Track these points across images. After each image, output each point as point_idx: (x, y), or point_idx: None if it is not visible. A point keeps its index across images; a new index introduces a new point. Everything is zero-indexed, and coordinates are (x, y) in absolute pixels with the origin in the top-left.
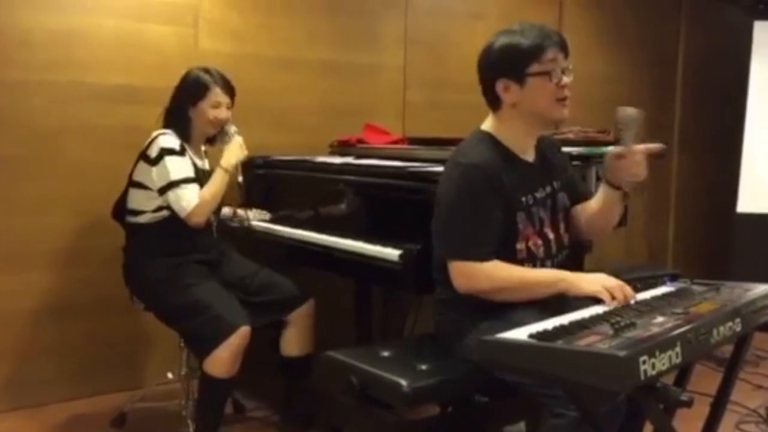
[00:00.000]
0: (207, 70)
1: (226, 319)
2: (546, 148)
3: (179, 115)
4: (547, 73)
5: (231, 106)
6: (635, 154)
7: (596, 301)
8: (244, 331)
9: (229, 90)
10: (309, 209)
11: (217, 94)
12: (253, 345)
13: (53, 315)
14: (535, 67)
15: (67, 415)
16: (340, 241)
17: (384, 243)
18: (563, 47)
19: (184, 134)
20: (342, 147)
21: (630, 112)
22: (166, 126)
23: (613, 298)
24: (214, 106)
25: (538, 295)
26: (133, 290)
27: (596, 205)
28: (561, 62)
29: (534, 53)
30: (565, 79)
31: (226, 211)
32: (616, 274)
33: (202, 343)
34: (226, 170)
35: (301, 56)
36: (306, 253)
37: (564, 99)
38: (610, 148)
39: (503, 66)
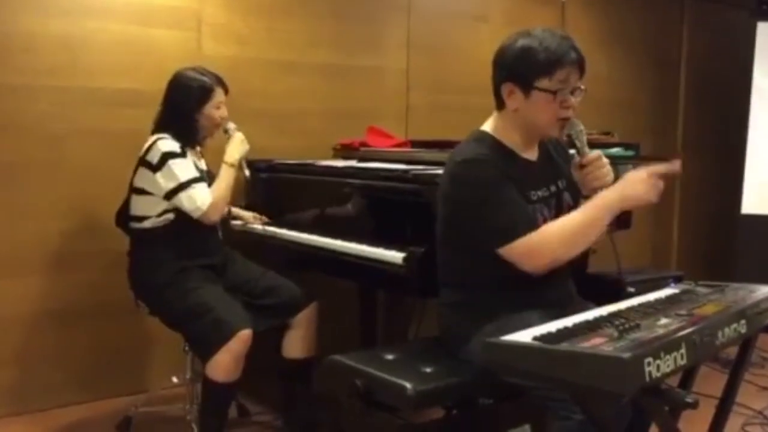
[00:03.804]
0: (202, 72)
1: (227, 322)
2: (552, 146)
3: (182, 121)
4: (553, 92)
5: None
6: (593, 160)
7: (598, 302)
8: (244, 334)
9: (225, 87)
10: (312, 213)
11: (219, 94)
12: (258, 349)
13: (57, 319)
14: (543, 83)
15: (72, 420)
16: (344, 245)
17: (388, 246)
18: (580, 67)
19: (191, 138)
20: (345, 150)
21: (575, 122)
22: (162, 130)
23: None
24: (217, 107)
25: (602, 228)
26: (138, 294)
27: None
28: (572, 82)
29: (546, 69)
30: (572, 100)
31: (237, 222)
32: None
33: (203, 347)
34: (231, 165)
35: (303, 60)
36: (310, 256)
37: (566, 119)
38: (574, 161)
39: (513, 71)
